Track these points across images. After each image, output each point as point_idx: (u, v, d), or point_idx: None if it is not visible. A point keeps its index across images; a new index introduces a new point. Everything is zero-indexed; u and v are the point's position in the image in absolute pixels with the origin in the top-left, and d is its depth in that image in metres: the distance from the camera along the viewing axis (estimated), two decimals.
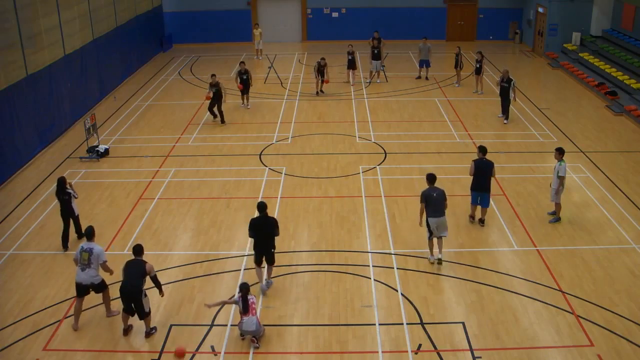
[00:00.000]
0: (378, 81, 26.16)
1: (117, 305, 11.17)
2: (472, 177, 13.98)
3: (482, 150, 14.03)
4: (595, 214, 14.77)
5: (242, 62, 23.23)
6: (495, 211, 14.84)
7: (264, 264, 11.85)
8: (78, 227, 13.86)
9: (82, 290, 10.86)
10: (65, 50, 21.09)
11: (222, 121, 21.35)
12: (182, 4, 34.09)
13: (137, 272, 10.41)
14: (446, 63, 29.32)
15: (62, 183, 13.52)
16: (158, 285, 10.66)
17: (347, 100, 23.85)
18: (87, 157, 18.33)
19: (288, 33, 35.08)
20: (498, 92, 21.04)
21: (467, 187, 16.09)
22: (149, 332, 10.70)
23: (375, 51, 25.66)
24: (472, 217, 14.31)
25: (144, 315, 10.54)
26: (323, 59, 23.78)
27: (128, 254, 13.17)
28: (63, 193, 13.45)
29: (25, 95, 18.30)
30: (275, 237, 11.66)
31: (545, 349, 10.29)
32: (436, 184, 12.63)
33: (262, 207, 11.59)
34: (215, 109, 21.33)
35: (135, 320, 10.78)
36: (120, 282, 10.58)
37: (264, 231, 11.49)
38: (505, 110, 20.90)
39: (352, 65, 25.29)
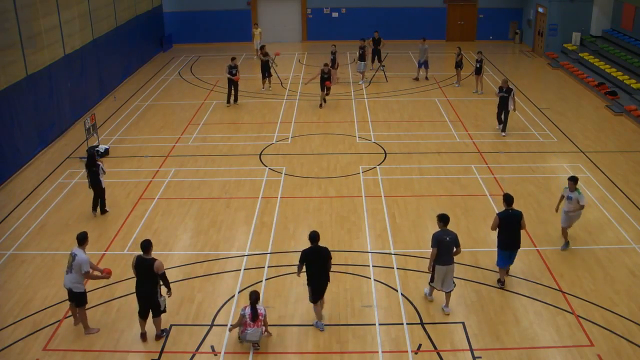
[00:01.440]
0: (361, 82, 26.11)
1: (132, 303, 11.17)
2: (496, 234, 11.91)
3: (508, 200, 11.72)
4: (595, 214, 14.77)
5: (263, 46, 25.84)
6: (495, 211, 14.81)
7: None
8: (103, 201, 15.05)
9: (68, 294, 10.70)
10: (65, 50, 21.09)
11: (236, 100, 23.37)
12: (182, 4, 34.09)
13: (146, 274, 10.14)
14: (446, 63, 29.35)
15: (92, 155, 14.93)
16: (166, 284, 10.41)
17: (347, 100, 23.85)
18: (87, 157, 18.30)
19: (288, 33, 35.09)
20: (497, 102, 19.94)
21: (467, 187, 16.17)
22: (160, 335, 10.59)
23: (360, 52, 25.72)
24: (501, 281, 11.95)
25: (159, 313, 10.41)
26: (326, 64, 23.24)
27: (128, 254, 13.22)
28: (93, 164, 14.71)
29: (25, 95, 18.30)
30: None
31: (545, 349, 10.30)
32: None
33: (313, 237, 10.55)
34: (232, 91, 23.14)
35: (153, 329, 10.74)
36: (136, 283, 10.42)
37: (317, 263, 10.55)
38: (502, 122, 19.86)
39: (333, 64, 25.46)
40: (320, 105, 23.11)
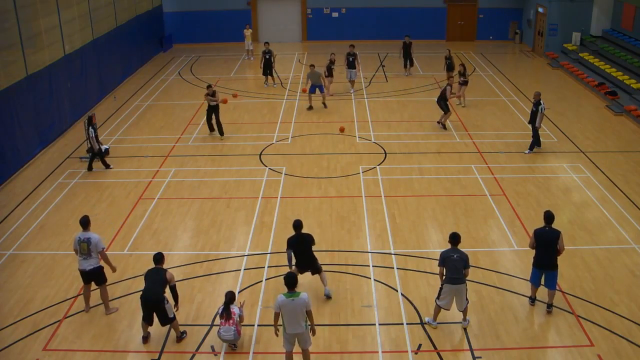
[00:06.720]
0: (352, 91, 24.86)
1: (135, 311, 11.16)
2: (534, 251, 11.29)
3: (547, 218, 11.09)
4: (595, 214, 14.77)
5: (267, 43, 26.34)
6: (495, 211, 14.85)
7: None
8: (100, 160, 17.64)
9: (86, 277, 11.12)
10: (65, 50, 21.09)
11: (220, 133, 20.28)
12: (182, 4, 34.10)
13: (158, 280, 10.30)
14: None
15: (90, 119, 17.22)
16: (175, 296, 10.53)
17: (347, 100, 23.85)
18: (87, 157, 18.30)
19: (288, 33, 35.10)
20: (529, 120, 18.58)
21: (467, 187, 16.17)
22: (180, 337, 10.60)
23: (350, 59, 24.32)
24: (532, 298, 11.42)
25: (169, 320, 10.43)
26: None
27: (128, 254, 13.23)
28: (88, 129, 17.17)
29: (25, 95, 18.29)
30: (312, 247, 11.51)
31: (545, 349, 10.30)
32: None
33: (297, 226, 11.41)
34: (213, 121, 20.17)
35: (152, 328, 10.72)
36: (142, 291, 10.41)
37: (302, 247, 11.37)
38: (534, 142, 18.39)
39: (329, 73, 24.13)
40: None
